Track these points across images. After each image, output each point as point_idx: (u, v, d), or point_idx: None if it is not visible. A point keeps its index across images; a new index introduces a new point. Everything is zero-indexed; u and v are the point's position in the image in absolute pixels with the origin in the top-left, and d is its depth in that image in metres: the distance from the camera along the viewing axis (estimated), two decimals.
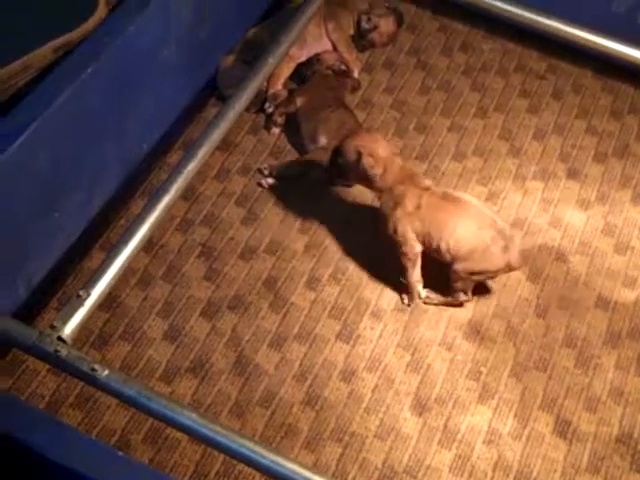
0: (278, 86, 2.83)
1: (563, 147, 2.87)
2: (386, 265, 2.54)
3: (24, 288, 2.27)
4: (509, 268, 2.39)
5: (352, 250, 2.58)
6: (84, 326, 2.19)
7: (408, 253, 2.41)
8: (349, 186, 2.67)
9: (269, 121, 2.81)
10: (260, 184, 2.68)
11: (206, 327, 2.41)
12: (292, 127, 2.80)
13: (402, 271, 2.46)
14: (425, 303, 2.49)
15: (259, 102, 2.80)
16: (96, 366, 2.00)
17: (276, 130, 2.80)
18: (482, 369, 2.39)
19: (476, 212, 2.37)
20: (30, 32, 2.27)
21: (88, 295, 2.12)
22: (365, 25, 3.00)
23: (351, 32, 3.02)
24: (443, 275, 2.43)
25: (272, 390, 2.31)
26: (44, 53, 2.21)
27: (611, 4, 2.89)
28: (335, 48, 2.96)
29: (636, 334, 2.48)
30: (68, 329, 2.06)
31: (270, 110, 2.80)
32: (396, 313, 2.48)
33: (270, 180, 2.67)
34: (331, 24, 2.96)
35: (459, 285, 2.42)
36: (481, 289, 2.51)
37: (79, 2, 2.35)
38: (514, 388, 2.37)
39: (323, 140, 2.67)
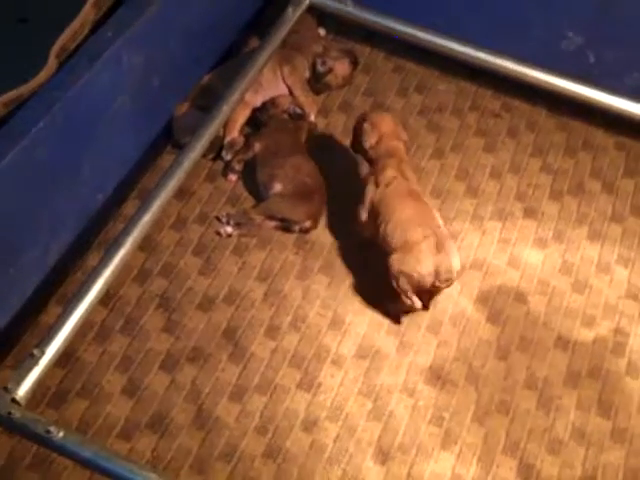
0: (235, 133, 2.83)
1: (519, 186, 2.89)
2: (346, 311, 2.54)
3: None
4: (438, 278, 2.41)
5: (311, 297, 2.57)
6: (40, 384, 2.15)
7: (358, 217, 2.59)
8: (307, 231, 2.67)
9: (227, 168, 2.80)
10: (218, 233, 2.66)
11: (165, 380, 2.38)
12: (249, 173, 2.79)
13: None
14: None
15: (216, 149, 2.80)
16: (51, 428, 1.96)
17: (233, 177, 2.79)
18: (444, 414, 2.39)
19: (423, 212, 2.50)
20: None
21: (42, 354, 2.09)
22: (320, 68, 3.00)
23: (307, 75, 3.02)
24: None
25: (233, 443, 2.28)
26: None
27: (561, 43, 2.92)
28: (291, 92, 2.96)
29: (595, 374, 2.49)
30: (22, 390, 2.02)
31: (228, 158, 2.79)
32: (357, 360, 2.47)
33: (228, 228, 2.66)
34: (286, 68, 2.96)
35: (400, 297, 2.46)
36: (444, 335, 2.51)
37: (29, 56, 2.33)
38: (477, 433, 2.36)
39: (278, 187, 2.67)
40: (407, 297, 2.45)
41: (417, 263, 2.41)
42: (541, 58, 2.90)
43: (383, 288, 2.50)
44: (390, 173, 2.56)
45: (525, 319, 2.58)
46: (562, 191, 2.88)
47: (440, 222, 2.50)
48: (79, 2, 2.44)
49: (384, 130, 2.64)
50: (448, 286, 2.47)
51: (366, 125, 2.65)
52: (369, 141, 2.64)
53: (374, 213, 2.54)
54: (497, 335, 2.54)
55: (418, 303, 2.45)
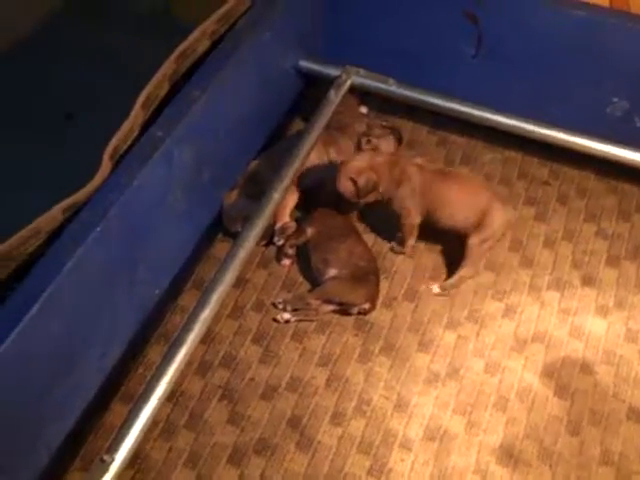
0: (285, 218, 2.84)
1: (575, 253, 2.86)
2: (410, 392, 2.51)
3: (45, 453, 2.22)
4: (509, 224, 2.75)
5: (374, 380, 2.55)
6: None
7: (408, 225, 2.76)
8: (365, 313, 2.65)
9: (280, 253, 2.81)
10: (276, 319, 2.66)
11: (234, 475, 2.36)
12: (303, 257, 2.79)
13: (402, 240, 2.81)
14: (441, 294, 2.75)
15: (268, 235, 2.80)
16: None
17: (287, 262, 2.79)
18: None
19: (468, 182, 2.75)
20: (37, 195, 2.28)
21: (112, 459, 2.07)
22: (365, 147, 3.01)
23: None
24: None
25: None
26: (53, 215, 2.19)
27: (606, 108, 2.91)
28: None
29: None
30: None
31: (280, 243, 2.80)
32: (425, 442, 2.43)
33: (286, 315, 2.65)
34: (332, 150, 2.97)
35: (474, 257, 2.71)
36: (512, 411, 2.47)
37: (81, 158, 2.36)
38: None
39: (333, 271, 2.66)
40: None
41: (497, 221, 2.68)
42: (587, 124, 2.89)
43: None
44: (412, 174, 2.70)
45: (594, 391, 2.53)
46: (619, 256, 2.84)
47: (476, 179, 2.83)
48: (121, 94, 2.48)
49: (365, 165, 2.71)
50: None
51: (362, 181, 2.68)
52: (376, 181, 2.69)
53: (422, 210, 2.72)
54: (567, 409, 2.49)
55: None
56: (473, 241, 2.68)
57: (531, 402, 2.50)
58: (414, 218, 2.75)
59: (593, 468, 2.37)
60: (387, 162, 2.73)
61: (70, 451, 2.37)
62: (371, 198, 2.73)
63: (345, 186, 2.70)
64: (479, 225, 2.67)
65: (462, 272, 2.73)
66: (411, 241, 2.81)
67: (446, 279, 2.77)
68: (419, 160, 2.80)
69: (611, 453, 2.40)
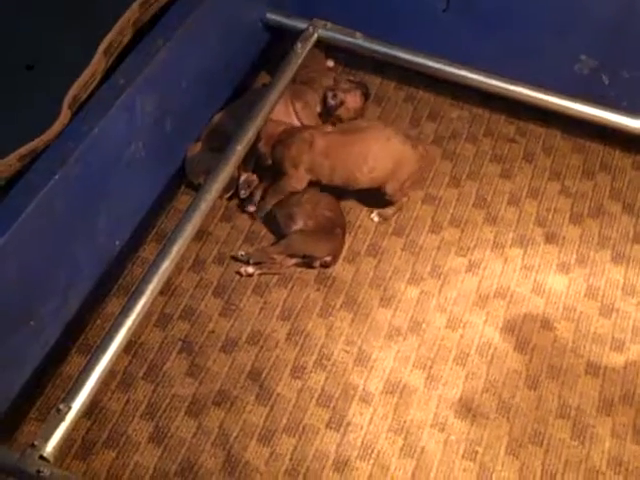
0: (249, 171, 2.81)
1: (539, 211, 2.86)
2: (371, 347, 2.51)
3: (2, 402, 2.21)
4: (423, 160, 2.78)
5: (335, 334, 2.54)
6: (66, 438, 2.12)
7: (294, 187, 2.71)
8: (327, 266, 2.64)
9: (244, 202, 2.79)
10: (239, 272, 2.64)
11: (192, 426, 2.35)
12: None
13: (276, 189, 2.73)
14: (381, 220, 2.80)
15: (232, 188, 2.77)
16: None
17: (252, 208, 2.76)
18: (477, 448, 2.34)
19: (378, 131, 2.71)
20: None
21: (69, 409, 2.05)
22: (331, 101, 2.98)
23: (318, 109, 3.00)
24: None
25: None
26: (10, 162, 2.15)
27: (574, 66, 2.90)
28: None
29: (629, 399, 2.44)
30: (50, 446, 1.99)
31: (244, 196, 2.77)
32: (385, 396, 2.43)
33: (249, 269, 2.63)
34: (298, 103, 2.94)
35: (398, 196, 2.75)
36: (472, 366, 2.48)
37: (42, 108, 2.31)
38: (511, 466, 2.32)
39: (300, 223, 2.64)
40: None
41: (412, 164, 2.71)
42: (555, 82, 2.87)
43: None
44: (311, 134, 2.69)
45: (553, 346, 2.54)
46: (582, 214, 2.85)
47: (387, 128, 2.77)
48: (83, 45, 2.43)
49: (270, 132, 2.74)
50: None
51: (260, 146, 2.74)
52: (264, 151, 2.74)
53: (342, 172, 2.68)
54: (526, 364, 2.50)
55: None
56: (393, 187, 2.71)
57: (491, 357, 2.51)
58: (295, 185, 2.72)
59: (550, 421, 2.39)
60: (289, 131, 2.75)
61: (27, 401, 2.34)
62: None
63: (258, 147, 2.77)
64: (396, 171, 2.69)
65: (397, 205, 2.80)
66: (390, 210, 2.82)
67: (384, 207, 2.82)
68: (329, 128, 2.80)
69: (568, 407, 2.42)
